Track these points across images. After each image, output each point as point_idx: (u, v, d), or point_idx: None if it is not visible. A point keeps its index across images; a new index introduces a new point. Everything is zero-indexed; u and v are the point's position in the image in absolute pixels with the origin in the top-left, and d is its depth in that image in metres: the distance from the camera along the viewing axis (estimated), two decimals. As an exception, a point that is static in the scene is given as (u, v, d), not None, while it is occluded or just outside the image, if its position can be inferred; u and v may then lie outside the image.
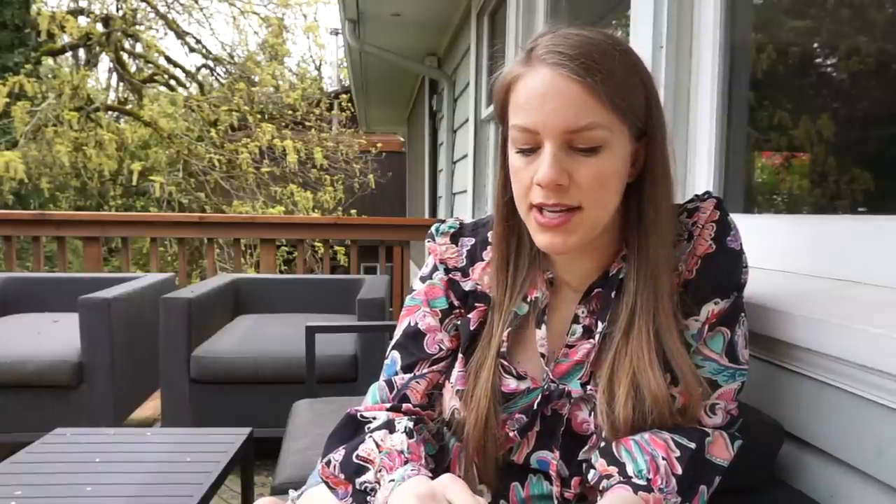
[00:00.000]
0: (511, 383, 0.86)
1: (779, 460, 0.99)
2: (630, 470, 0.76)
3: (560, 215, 0.78)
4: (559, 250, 0.81)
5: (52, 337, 2.87)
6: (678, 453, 0.77)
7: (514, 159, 0.81)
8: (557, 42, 0.77)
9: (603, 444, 0.81)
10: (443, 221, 0.96)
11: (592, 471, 0.80)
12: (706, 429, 0.81)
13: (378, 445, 0.81)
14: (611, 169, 0.77)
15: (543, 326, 0.86)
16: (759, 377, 1.03)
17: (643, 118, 0.80)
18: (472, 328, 0.89)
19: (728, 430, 0.82)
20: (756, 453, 0.90)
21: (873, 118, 1.17)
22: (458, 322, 0.92)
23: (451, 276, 0.92)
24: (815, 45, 1.36)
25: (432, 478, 0.75)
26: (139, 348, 2.98)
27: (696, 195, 0.89)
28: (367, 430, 0.84)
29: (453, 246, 0.93)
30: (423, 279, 0.95)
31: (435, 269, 0.94)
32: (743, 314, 0.86)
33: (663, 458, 0.76)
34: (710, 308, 0.83)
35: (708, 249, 0.84)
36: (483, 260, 0.91)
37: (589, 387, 0.84)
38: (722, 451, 0.80)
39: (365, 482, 0.78)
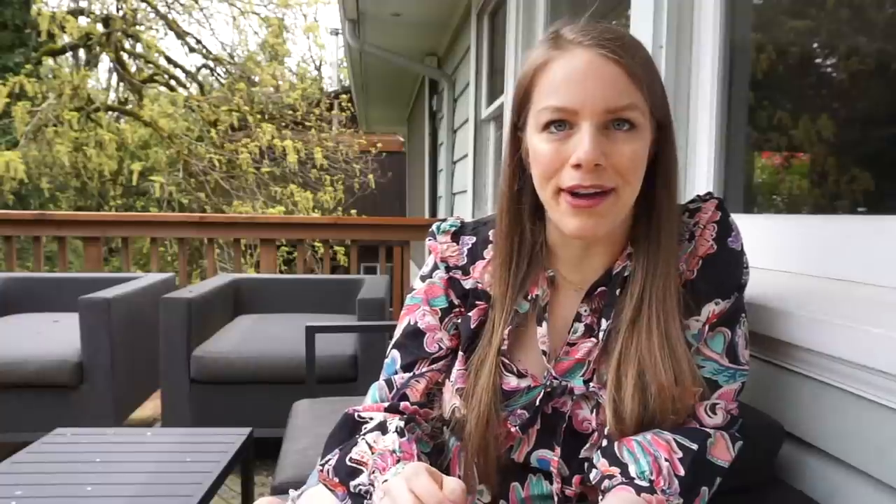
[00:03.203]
0: (512, 381, 0.86)
1: (779, 460, 0.99)
2: (632, 471, 0.76)
3: (594, 198, 0.77)
4: (590, 234, 0.80)
5: (52, 337, 2.87)
6: (680, 454, 0.77)
7: (541, 143, 0.79)
8: (587, 28, 0.79)
9: (605, 443, 0.81)
10: (444, 220, 0.96)
11: (594, 470, 0.80)
12: (707, 429, 0.81)
13: (371, 447, 0.81)
14: (642, 151, 0.79)
15: (545, 324, 0.86)
16: (759, 377, 1.03)
17: (662, 109, 0.82)
18: (472, 326, 0.89)
19: (728, 431, 0.82)
20: (756, 453, 0.90)
21: (873, 118, 1.17)
22: (458, 321, 0.92)
23: (451, 274, 0.92)
24: (815, 45, 1.36)
25: None
26: (139, 348, 2.98)
27: (698, 195, 0.89)
28: (362, 432, 0.84)
29: (454, 244, 0.93)
30: (423, 278, 0.95)
31: (435, 267, 0.94)
32: (744, 315, 0.86)
33: (666, 460, 0.76)
34: (711, 308, 0.83)
35: (709, 250, 0.84)
36: (484, 258, 0.91)
37: (591, 384, 0.84)
38: (723, 452, 0.80)
39: (359, 485, 0.79)
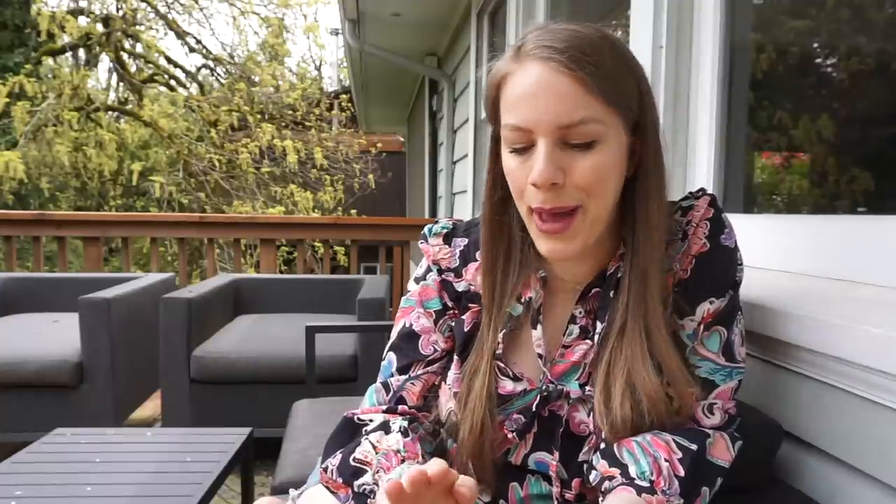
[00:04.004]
0: (507, 385, 0.85)
1: (779, 460, 0.98)
2: (633, 472, 0.76)
3: (560, 221, 0.77)
4: (561, 257, 0.80)
5: (52, 337, 2.87)
6: (680, 455, 0.77)
7: (508, 160, 0.79)
8: (546, 36, 0.76)
9: (603, 444, 0.81)
10: (436, 222, 0.96)
11: (594, 472, 0.79)
12: (706, 430, 0.81)
13: (374, 447, 0.81)
14: (608, 162, 0.76)
15: (539, 327, 0.86)
16: (759, 377, 1.03)
17: (636, 110, 0.79)
18: (465, 329, 0.89)
19: (727, 430, 0.82)
20: (755, 453, 0.90)
21: (873, 118, 1.17)
22: (453, 323, 0.91)
23: (444, 276, 0.92)
24: (815, 45, 1.36)
25: None
26: (139, 348, 2.98)
27: (690, 192, 0.88)
28: (363, 433, 0.84)
29: (446, 247, 0.93)
30: (417, 280, 0.95)
31: (428, 270, 0.94)
32: (739, 312, 0.85)
33: (665, 460, 0.76)
34: (706, 307, 0.82)
35: (702, 248, 0.83)
36: (476, 260, 0.90)
37: (587, 387, 0.83)
38: (723, 452, 0.80)
39: (363, 484, 0.78)
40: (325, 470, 0.83)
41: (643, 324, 0.79)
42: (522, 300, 0.87)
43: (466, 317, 0.89)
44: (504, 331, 0.86)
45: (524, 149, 0.77)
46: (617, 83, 0.76)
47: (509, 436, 0.85)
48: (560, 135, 0.75)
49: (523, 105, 0.76)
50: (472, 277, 0.90)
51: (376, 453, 0.80)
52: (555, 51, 0.74)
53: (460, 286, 0.91)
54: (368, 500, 0.78)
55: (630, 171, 0.81)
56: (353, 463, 0.80)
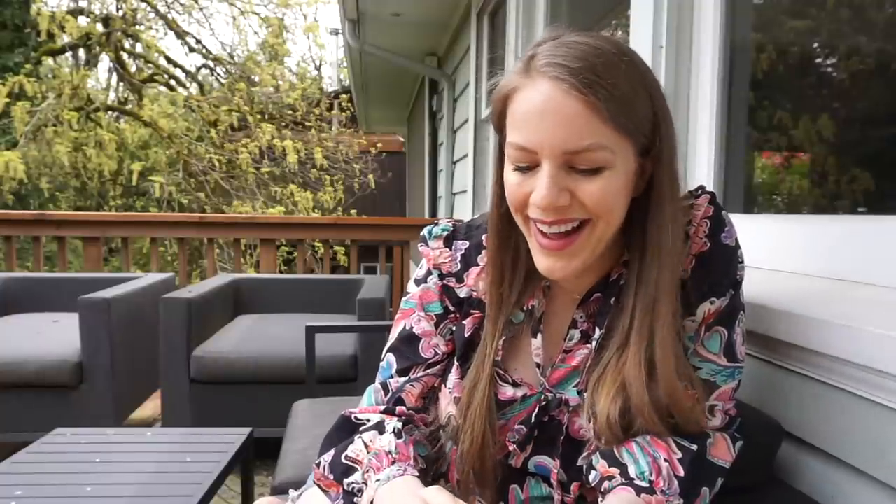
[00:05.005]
0: (507, 391, 0.85)
1: (778, 460, 0.99)
2: (632, 472, 0.76)
3: (562, 238, 0.75)
4: (560, 276, 0.78)
5: (52, 337, 2.87)
6: (680, 455, 0.77)
7: (511, 175, 0.77)
8: (558, 52, 0.73)
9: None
10: (436, 224, 0.94)
11: (593, 472, 0.79)
12: (706, 430, 0.81)
13: (366, 446, 0.80)
14: (614, 187, 0.74)
15: (539, 336, 0.85)
16: (759, 377, 1.03)
17: (649, 134, 0.76)
18: (466, 335, 0.88)
19: (728, 431, 0.82)
20: (755, 452, 0.90)
21: (873, 118, 1.17)
22: (454, 327, 0.90)
23: (445, 282, 0.90)
24: (815, 45, 1.36)
25: (420, 478, 0.75)
26: (139, 348, 2.98)
27: (690, 191, 0.86)
28: (359, 432, 0.84)
29: (447, 250, 0.91)
30: (417, 282, 0.93)
31: (429, 273, 0.92)
32: (742, 311, 0.84)
33: (665, 460, 0.76)
34: (706, 307, 0.81)
35: (702, 248, 0.82)
36: (478, 265, 0.89)
37: (585, 394, 0.82)
38: (723, 452, 0.80)
39: (353, 483, 0.78)
40: (318, 465, 0.83)
41: (645, 355, 0.76)
42: (525, 308, 0.86)
43: (467, 322, 0.88)
44: (504, 338, 0.85)
45: (528, 168, 0.75)
46: (631, 108, 0.73)
47: (511, 448, 0.84)
48: (565, 159, 0.72)
49: (530, 125, 0.73)
50: (473, 283, 0.88)
51: (368, 452, 0.80)
52: (567, 70, 0.71)
53: (462, 292, 0.89)
54: (356, 499, 0.78)
55: (639, 189, 0.78)
56: (344, 461, 0.80)
